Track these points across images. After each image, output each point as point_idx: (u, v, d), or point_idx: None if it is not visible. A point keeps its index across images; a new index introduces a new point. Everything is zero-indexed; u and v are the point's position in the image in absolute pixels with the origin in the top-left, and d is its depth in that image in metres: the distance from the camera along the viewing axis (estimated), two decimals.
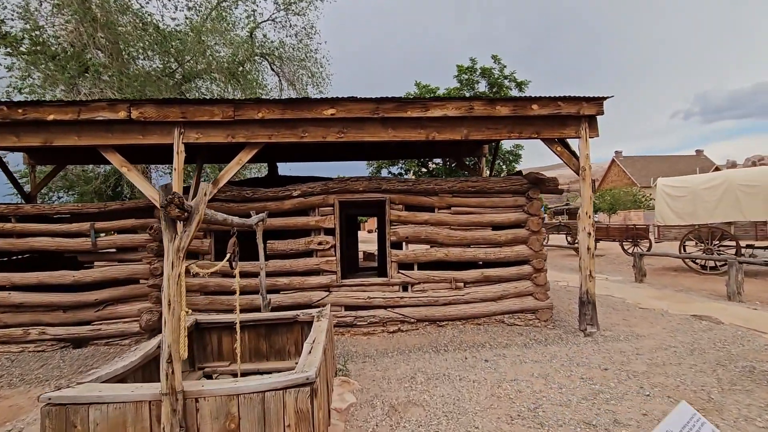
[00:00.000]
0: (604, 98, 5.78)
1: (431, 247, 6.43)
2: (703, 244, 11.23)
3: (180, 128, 5.39)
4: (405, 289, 6.39)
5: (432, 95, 16.66)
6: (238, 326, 3.65)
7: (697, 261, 11.55)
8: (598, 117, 5.95)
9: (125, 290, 5.96)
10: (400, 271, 6.35)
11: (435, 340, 5.84)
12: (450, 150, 10.72)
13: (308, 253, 6.26)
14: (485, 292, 6.35)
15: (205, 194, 2.48)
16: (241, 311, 6.21)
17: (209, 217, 2.85)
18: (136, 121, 5.31)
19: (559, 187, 6.71)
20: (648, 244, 15.61)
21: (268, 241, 6.13)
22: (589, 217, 5.88)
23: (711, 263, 11.19)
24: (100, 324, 5.89)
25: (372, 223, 42.31)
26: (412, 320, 6.25)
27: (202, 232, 6.04)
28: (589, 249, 5.85)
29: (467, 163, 11.50)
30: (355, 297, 6.22)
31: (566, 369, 4.54)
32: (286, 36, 17.33)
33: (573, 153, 6.03)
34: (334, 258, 6.21)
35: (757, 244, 10.88)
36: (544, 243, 8.53)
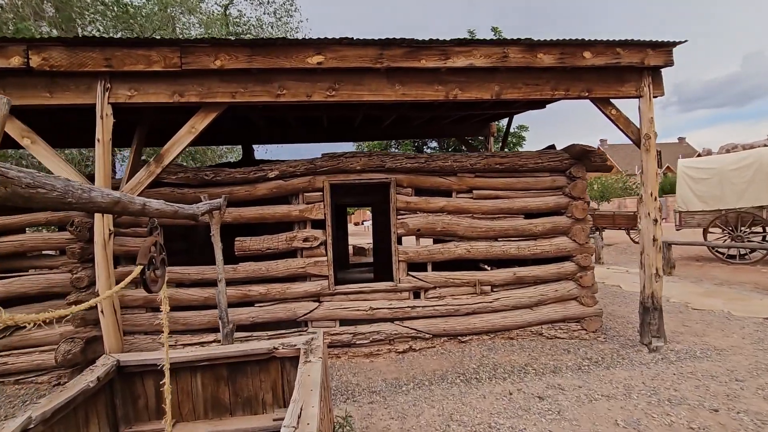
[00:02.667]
0: (675, 43, 4.44)
1: (449, 241, 5.04)
2: (730, 231, 10.16)
3: (104, 82, 3.83)
4: (417, 296, 4.99)
5: None
6: (167, 370, 2.22)
7: (723, 250, 10.51)
8: (664, 71, 4.62)
9: (41, 308, 4.40)
10: (410, 273, 4.95)
11: (459, 362, 4.48)
12: (453, 129, 9.32)
13: (291, 253, 4.79)
14: (518, 298, 5.01)
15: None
16: (207, 331, 4.73)
17: (122, 202, 1.45)
18: (38, 72, 3.73)
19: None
20: None
21: (238, 239, 4.64)
22: (655, 199, 4.56)
23: (735, 251, 10.16)
24: (7, 356, 4.32)
25: (360, 214, 40.69)
26: (427, 335, 4.87)
27: (146, 227, 4.50)
28: (655, 240, 4.55)
29: (473, 144, 10.14)
30: (354, 308, 4.80)
31: (659, 411, 3.22)
32: (264, 13, 15.71)
33: (627, 119, 4.69)
34: (324, 258, 4.76)
35: None
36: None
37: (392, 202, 4.89)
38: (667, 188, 30.87)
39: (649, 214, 4.57)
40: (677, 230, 11.41)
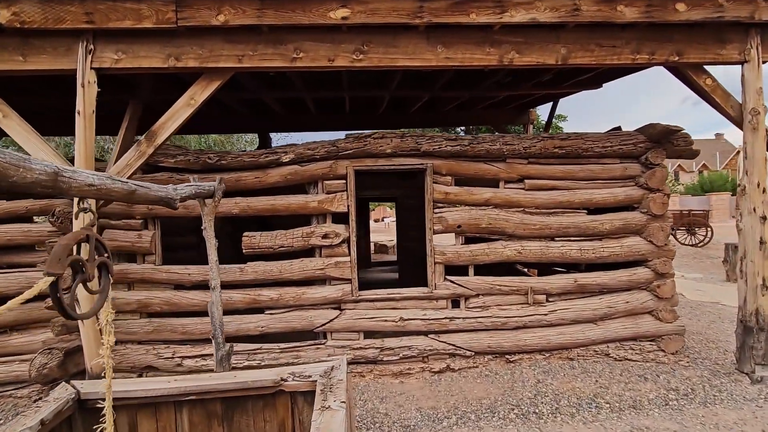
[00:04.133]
0: None
1: (495, 240, 4.21)
2: None
3: (86, 42, 3.17)
4: (456, 305, 4.19)
5: None
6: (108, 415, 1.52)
7: None
8: None
9: (20, 312, 3.81)
10: (449, 277, 4.15)
11: (510, 388, 3.66)
12: (487, 116, 8.43)
13: (308, 252, 4.06)
14: (580, 310, 4.14)
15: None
16: (210, 342, 4.04)
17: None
18: (9, 30, 3.09)
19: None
20: (706, 233, 13.28)
21: (246, 235, 3.94)
22: (763, 191, 3.62)
23: None
24: None
25: (380, 211, 39.91)
26: (468, 353, 4.06)
27: (139, 219, 3.85)
28: (762, 243, 3.60)
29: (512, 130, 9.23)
30: (381, 318, 4.04)
31: None
32: None
33: (725, 91, 3.75)
34: (347, 259, 4.01)
35: None
36: None
37: (428, 192, 4.09)
38: (707, 186, 28.92)
39: (754, 209, 3.62)
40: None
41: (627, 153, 4.20)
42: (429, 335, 4.10)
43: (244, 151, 9.53)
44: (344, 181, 4.00)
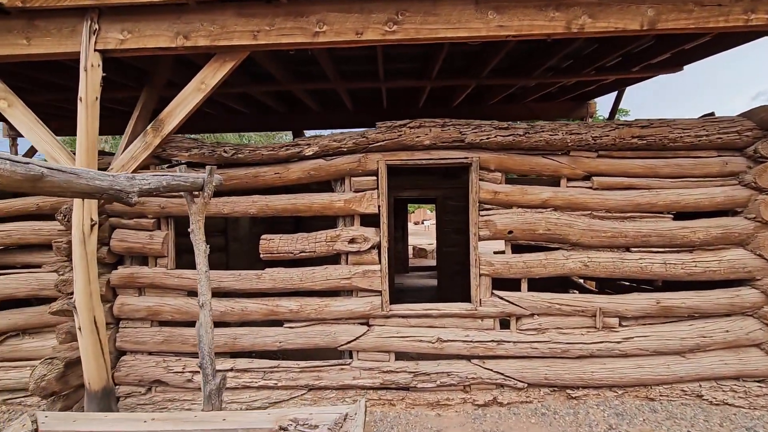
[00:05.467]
0: None
1: (555, 249, 3.50)
2: None
3: (91, 21, 2.85)
4: (505, 325, 3.53)
5: None
6: None
7: None
8: None
9: (32, 314, 3.60)
10: (496, 292, 3.49)
11: None
12: (538, 109, 7.60)
13: (332, 259, 3.56)
14: (664, 339, 3.33)
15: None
16: (222, 356, 3.60)
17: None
18: (12, 11, 2.84)
19: None
20: None
21: (264, 238, 3.50)
22: None
23: None
24: None
25: (420, 213, 39.04)
26: (520, 384, 3.39)
27: (152, 218, 3.52)
28: None
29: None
30: (415, 337, 3.46)
31: None
32: None
33: None
34: (377, 267, 3.47)
35: None
36: None
37: (473, 191, 3.46)
38: None
39: None
40: None
41: (728, 144, 3.34)
42: (472, 360, 3.47)
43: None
44: (375, 178, 3.46)
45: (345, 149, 3.42)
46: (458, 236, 6.64)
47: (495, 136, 3.36)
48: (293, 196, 3.48)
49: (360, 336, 3.47)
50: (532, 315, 3.47)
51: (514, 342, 3.41)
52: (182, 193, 1.94)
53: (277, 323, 3.57)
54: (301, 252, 3.46)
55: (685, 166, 3.40)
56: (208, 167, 2.13)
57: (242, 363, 3.48)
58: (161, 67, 3.62)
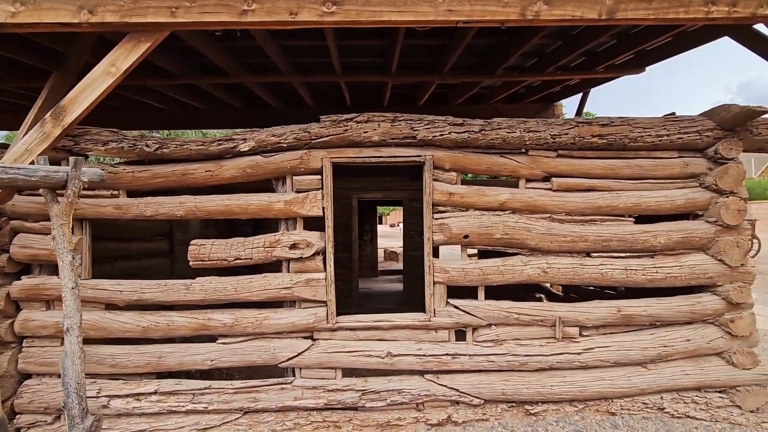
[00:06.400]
0: None
1: (513, 255, 3.28)
2: None
3: None
4: (461, 337, 3.27)
5: None
6: None
7: None
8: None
9: None
10: (452, 301, 3.23)
11: None
12: (502, 111, 7.43)
13: (272, 266, 3.22)
14: (625, 349, 3.16)
15: None
16: (147, 376, 3.13)
17: None
18: None
19: None
20: (751, 245, 11.86)
21: (193, 243, 3.12)
22: None
23: None
24: None
25: (396, 215, 38.83)
26: (477, 400, 3.14)
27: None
28: None
29: None
30: (364, 352, 3.16)
31: None
32: None
33: None
34: (322, 275, 3.15)
35: None
36: None
37: (427, 192, 3.20)
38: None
39: None
40: None
41: (688, 144, 3.21)
42: (425, 376, 3.20)
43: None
44: (319, 177, 3.15)
45: (285, 145, 3.09)
46: (422, 239, 6.42)
47: (449, 133, 3.11)
48: (227, 196, 3.12)
49: (303, 351, 3.13)
50: (490, 325, 3.23)
51: (470, 355, 3.16)
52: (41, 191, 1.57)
53: (210, 338, 3.20)
54: (236, 259, 3.10)
55: (646, 167, 3.25)
56: (71, 159, 1.76)
57: (168, 384, 3.08)
58: (78, 48, 3.19)
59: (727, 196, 3.14)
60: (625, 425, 3.01)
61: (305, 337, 3.20)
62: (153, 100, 6.03)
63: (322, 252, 3.18)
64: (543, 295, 5.97)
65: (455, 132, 3.11)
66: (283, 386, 3.13)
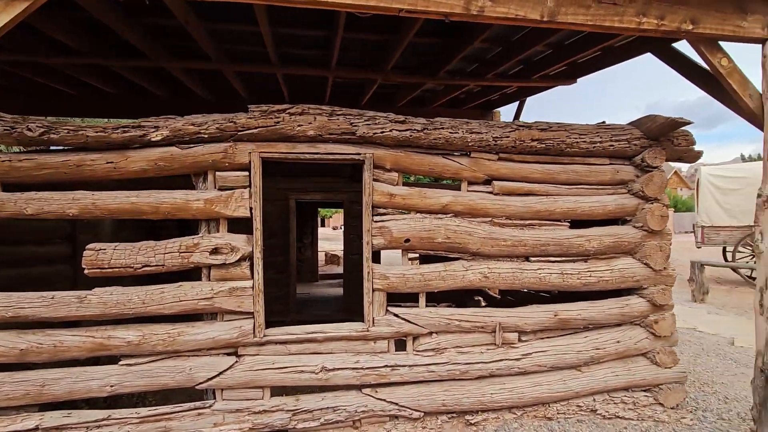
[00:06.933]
0: None
1: (455, 260, 3.18)
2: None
3: None
4: (401, 347, 3.09)
5: None
6: None
7: (746, 271, 9.05)
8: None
9: None
10: (392, 309, 3.05)
11: None
12: (446, 116, 7.46)
13: (188, 274, 2.81)
14: (561, 353, 3.18)
15: None
16: (27, 409, 2.48)
17: None
18: None
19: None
20: None
21: (89, 248, 2.64)
22: None
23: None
24: None
25: (339, 217, 38.26)
26: (416, 413, 2.98)
27: None
28: None
29: None
30: (296, 368, 2.86)
31: None
32: None
33: (743, 75, 2.96)
34: (249, 284, 2.81)
35: None
36: None
37: (367, 193, 2.99)
38: None
39: None
40: (698, 248, 9.94)
41: (619, 152, 3.33)
42: (363, 390, 2.97)
43: None
44: (246, 174, 2.81)
45: (206, 136, 2.72)
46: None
47: (390, 131, 2.93)
48: (134, 193, 2.67)
49: (225, 370, 2.77)
50: (431, 333, 3.09)
51: (410, 366, 3.00)
52: None
53: (112, 359, 2.72)
54: (144, 266, 2.66)
55: (581, 172, 3.31)
56: None
57: (54, 418, 2.56)
58: None
59: (652, 203, 3.29)
60: (561, 430, 3.01)
61: (228, 354, 2.83)
62: (63, 84, 5.24)
63: (250, 257, 2.84)
64: (481, 298, 6.04)
65: (397, 129, 2.94)
66: (201, 411, 2.74)
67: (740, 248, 9.13)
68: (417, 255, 3.26)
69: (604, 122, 3.63)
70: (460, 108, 7.22)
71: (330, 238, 24.52)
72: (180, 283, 2.75)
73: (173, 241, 2.71)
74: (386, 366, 2.97)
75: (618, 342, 3.24)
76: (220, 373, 2.76)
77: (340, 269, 13.67)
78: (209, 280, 2.79)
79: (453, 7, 2.41)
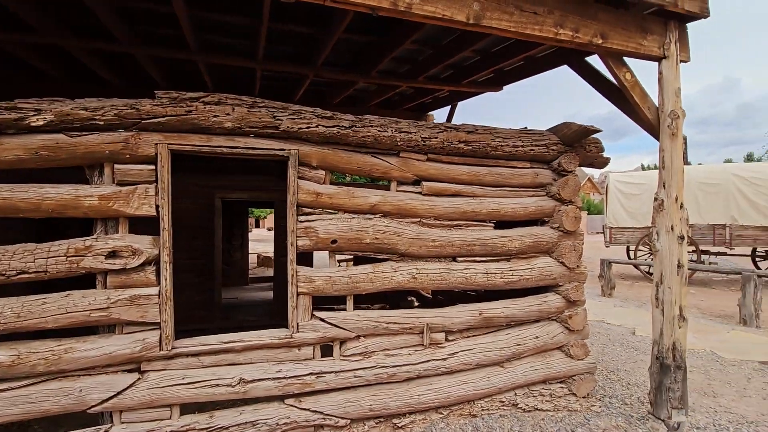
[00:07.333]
0: None
1: (384, 261, 3.12)
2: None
3: None
4: (327, 353, 2.96)
5: None
6: None
7: (642, 268, 10.19)
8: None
9: None
10: (318, 314, 2.91)
11: None
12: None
13: (81, 281, 2.45)
14: (486, 350, 3.25)
15: None
16: None
17: None
18: None
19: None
20: None
21: None
22: (681, 206, 3.15)
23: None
24: None
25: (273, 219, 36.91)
26: (343, 421, 2.86)
27: None
28: (680, 267, 3.12)
29: None
30: (209, 382, 2.61)
31: None
32: None
33: (643, 89, 3.25)
34: (154, 291, 2.51)
35: (713, 249, 9.82)
36: None
37: (291, 192, 2.83)
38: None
39: (672, 228, 3.13)
40: (606, 247, 10.98)
41: (538, 156, 3.50)
42: (286, 401, 2.80)
43: None
44: (152, 167, 2.50)
45: (102, 123, 2.38)
46: None
47: (317, 126, 2.79)
48: (6, 187, 2.26)
49: (125, 389, 2.44)
50: (359, 337, 3.00)
51: (337, 372, 2.88)
52: None
53: None
54: (20, 273, 2.26)
55: (504, 175, 3.43)
56: None
57: None
58: None
59: (567, 205, 3.50)
60: (486, 426, 3.08)
61: (129, 371, 2.51)
62: None
63: (156, 261, 2.54)
64: (414, 299, 6.10)
65: (323, 125, 2.81)
66: None
67: (641, 247, 10.23)
68: (352, 257, 3.16)
69: (526, 128, 3.80)
70: (395, 109, 7.24)
71: (265, 240, 23.60)
72: (68, 292, 2.37)
73: (59, 244, 2.33)
74: (311, 374, 2.82)
75: (537, 337, 3.40)
76: (119, 392, 2.43)
77: (272, 272, 13.18)
78: (105, 287, 2.45)
79: (381, 1, 2.35)
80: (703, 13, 3.10)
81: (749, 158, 43.82)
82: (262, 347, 2.76)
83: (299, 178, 2.84)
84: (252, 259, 13.74)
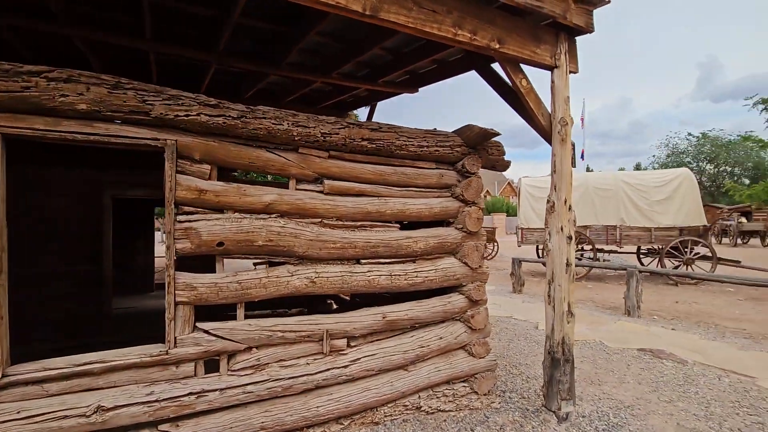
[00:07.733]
0: (598, 3, 3.32)
1: (280, 264, 2.88)
2: None
3: None
4: (213, 368, 2.65)
5: None
6: None
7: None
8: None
9: None
10: (201, 325, 2.60)
11: None
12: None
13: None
14: (389, 354, 3.16)
15: None
16: None
17: None
18: None
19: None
20: (494, 248, 15.30)
21: None
22: (570, 208, 3.34)
23: None
24: None
25: None
26: None
27: None
28: (568, 265, 3.30)
29: None
30: (57, 413, 2.17)
31: None
32: None
33: (538, 96, 3.41)
34: None
35: (606, 248, 10.92)
36: None
37: (168, 188, 2.48)
38: (490, 208, 35.07)
39: (561, 229, 3.30)
40: (519, 246, 11.70)
41: (443, 157, 3.50)
42: (160, 427, 2.44)
43: None
44: None
45: None
46: None
47: (198, 115, 2.48)
48: None
49: None
50: (250, 349, 2.73)
51: (222, 389, 2.59)
52: None
53: None
54: None
55: (410, 175, 3.38)
56: None
57: None
58: None
59: (471, 206, 3.55)
60: None
61: None
62: None
63: None
64: (332, 302, 5.90)
65: (206, 114, 2.51)
66: None
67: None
68: (265, 260, 2.89)
69: (434, 129, 3.80)
70: (315, 107, 6.99)
71: None
72: None
73: None
74: (191, 393, 2.50)
75: (441, 338, 3.39)
76: None
77: None
78: None
79: None
80: (589, 28, 3.32)
81: (638, 167, 50.52)
82: (129, 367, 2.38)
83: (179, 172, 2.51)
84: (160, 262, 12.55)
